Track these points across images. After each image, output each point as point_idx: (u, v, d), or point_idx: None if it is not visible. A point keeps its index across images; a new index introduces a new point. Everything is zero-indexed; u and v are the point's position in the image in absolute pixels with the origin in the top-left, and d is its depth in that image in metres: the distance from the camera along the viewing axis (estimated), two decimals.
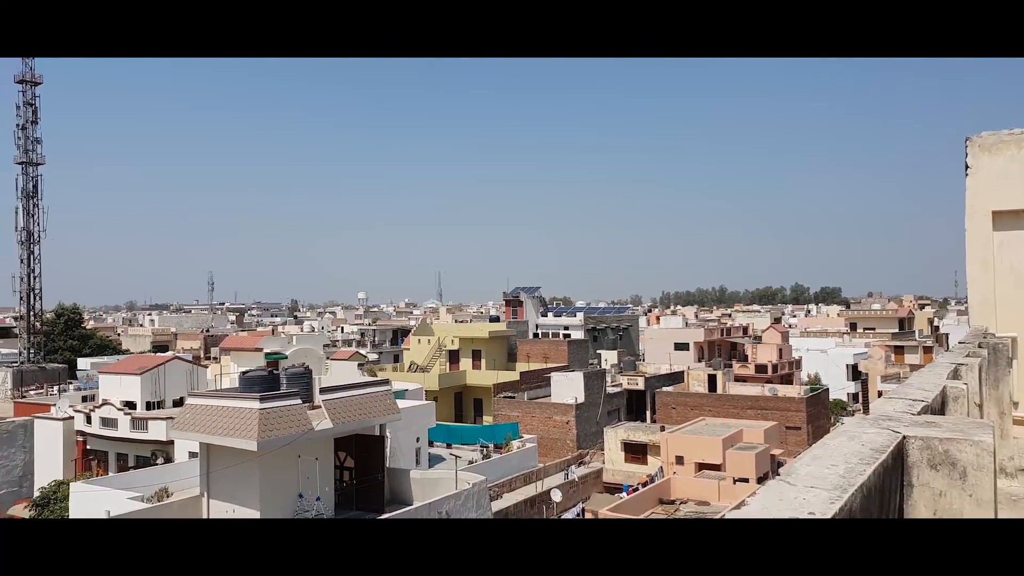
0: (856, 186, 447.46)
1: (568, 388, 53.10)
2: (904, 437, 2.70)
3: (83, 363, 66.99)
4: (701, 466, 40.05)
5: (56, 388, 54.65)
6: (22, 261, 72.18)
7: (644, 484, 41.19)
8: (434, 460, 39.78)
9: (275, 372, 21.74)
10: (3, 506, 35.28)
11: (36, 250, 72.73)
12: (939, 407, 3.93)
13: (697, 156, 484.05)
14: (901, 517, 2.68)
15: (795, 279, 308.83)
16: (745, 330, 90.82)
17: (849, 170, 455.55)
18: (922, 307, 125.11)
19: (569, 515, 39.16)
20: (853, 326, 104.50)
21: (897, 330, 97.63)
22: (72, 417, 38.47)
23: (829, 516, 2.00)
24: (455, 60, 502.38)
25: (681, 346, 77.43)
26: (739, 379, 62.28)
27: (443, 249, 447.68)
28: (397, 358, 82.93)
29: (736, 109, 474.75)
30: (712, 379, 58.75)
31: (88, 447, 38.12)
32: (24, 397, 54.54)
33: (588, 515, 38.58)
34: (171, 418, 25.53)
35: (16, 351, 73.84)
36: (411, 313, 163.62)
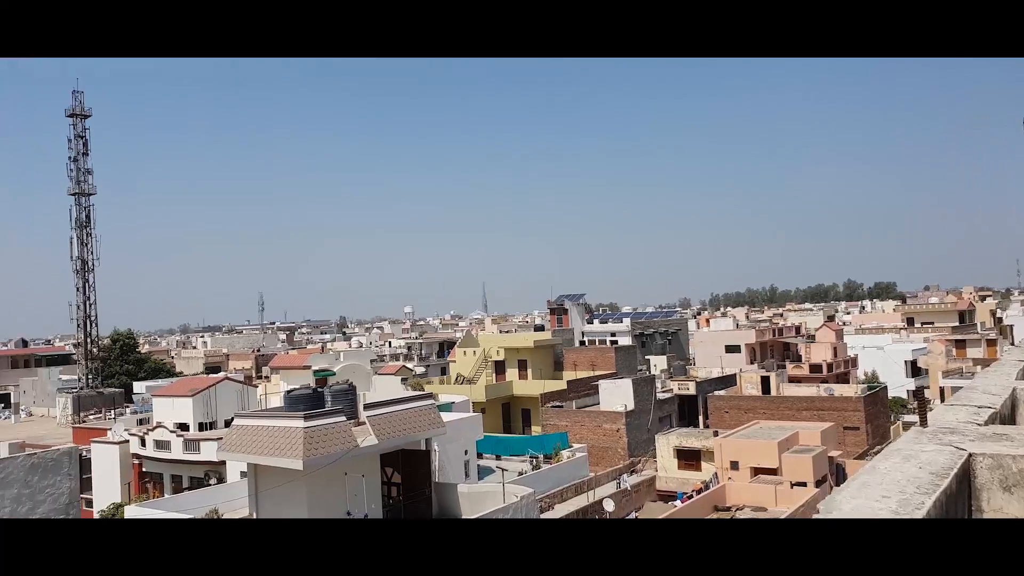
0: (908, 176, 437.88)
1: (617, 395, 52.44)
2: (970, 455, 2.31)
3: (139, 387, 68.28)
4: (757, 471, 39.13)
5: (113, 412, 55.74)
6: (78, 289, 74.08)
7: (698, 491, 40.38)
8: (484, 472, 39.56)
9: (319, 390, 21.73)
10: None
11: (91, 278, 74.65)
12: (1009, 414, 3.47)
13: (742, 155, 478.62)
14: None
15: (847, 275, 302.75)
16: (797, 329, 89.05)
17: (900, 161, 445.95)
18: (983, 298, 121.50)
19: None
20: (910, 321, 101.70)
21: (957, 323, 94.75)
22: (128, 441, 39.18)
23: None
24: (497, 67, 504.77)
25: (732, 348, 76.11)
26: (793, 380, 60.92)
27: (487, 260, 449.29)
28: (444, 371, 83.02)
29: (784, 106, 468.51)
30: (765, 381, 57.51)
31: (144, 469, 38.76)
32: (84, 422, 55.80)
33: None
34: (221, 439, 25.68)
35: (75, 377, 75.67)
36: (456, 325, 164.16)
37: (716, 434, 45.25)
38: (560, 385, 60.14)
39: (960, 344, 73.36)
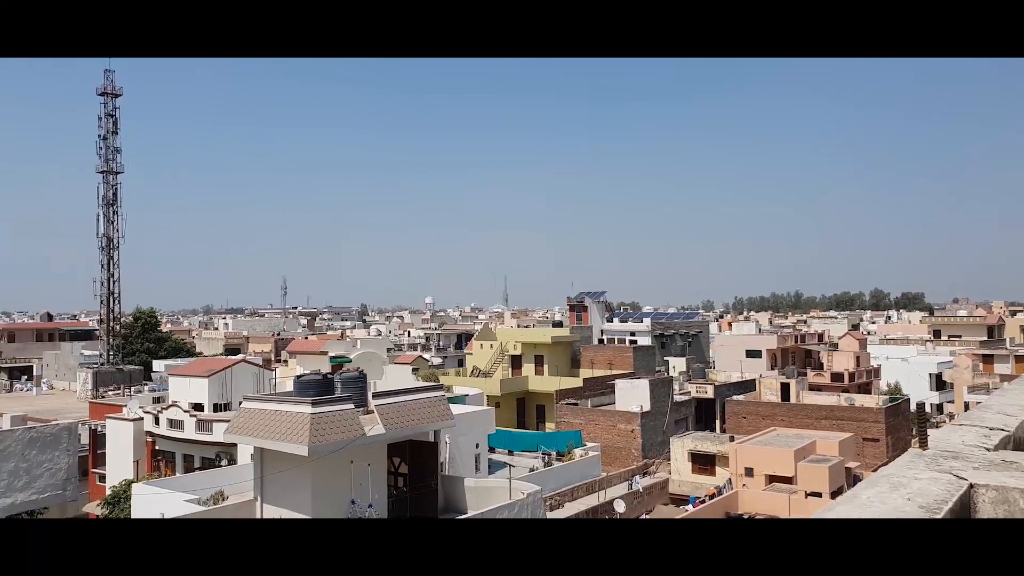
0: (939, 186, 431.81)
1: (633, 396, 52.01)
2: (971, 486, 2.00)
3: (158, 365, 68.78)
4: (771, 479, 38.61)
5: (131, 389, 56.16)
6: (102, 266, 74.70)
7: (711, 496, 39.94)
8: (495, 466, 39.35)
9: (329, 376, 21.59)
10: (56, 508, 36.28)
11: (115, 255, 75.21)
12: None
13: (774, 159, 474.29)
14: None
15: (875, 284, 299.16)
16: (820, 337, 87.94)
17: (930, 170, 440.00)
18: (1014, 313, 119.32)
19: None
20: (937, 333, 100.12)
21: (986, 338, 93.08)
22: (142, 418, 39.40)
23: None
24: (524, 64, 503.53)
25: (753, 353, 75.28)
26: (814, 388, 60.15)
27: (510, 254, 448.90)
28: (461, 363, 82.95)
29: (809, 111, 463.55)
30: (785, 388, 56.82)
31: (157, 447, 38.96)
32: (103, 397, 56.27)
33: None
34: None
35: (97, 353, 76.41)
36: (476, 318, 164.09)
37: (732, 439, 44.74)
38: (576, 382, 59.83)
39: (988, 359, 72.00)
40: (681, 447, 46.58)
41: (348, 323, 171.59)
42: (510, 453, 44.11)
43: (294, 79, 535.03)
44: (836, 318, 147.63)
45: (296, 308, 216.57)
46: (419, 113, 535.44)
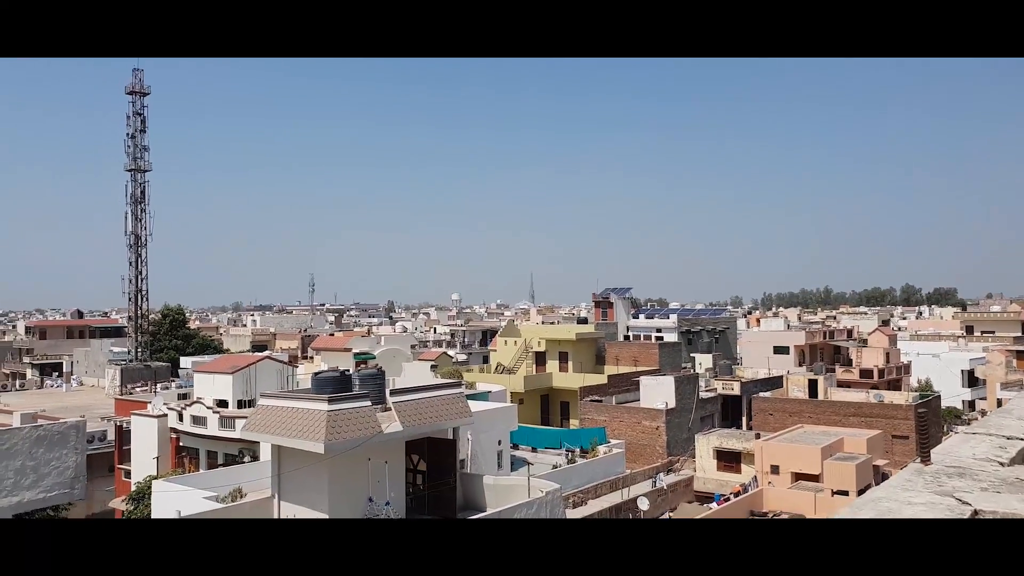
0: (972, 179, 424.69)
1: (658, 392, 51.57)
2: (975, 513, 1.71)
3: (185, 362, 69.39)
4: (797, 476, 38.03)
5: (158, 385, 56.64)
6: (130, 264, 75.41)
7: (737, 494, 39.43)
8: (518, 463, 39.18)
9: (347, 373, 21.46)
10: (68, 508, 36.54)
11: (143, 253, 75.86)
12: None
13: (801, 151, 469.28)
14: None
15: (906, 279, 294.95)
16: (850, 333, 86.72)
17: (963, 162, 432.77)
18: None
19: None
20: (969, 329, 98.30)
21: (1020, 334, 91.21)
22: (166, 415, 39.65)
23: None
24: (547, 63, 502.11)
25: (781, 349, 74.39)
26: (842, 384, 59.32)
27: (537, 250, 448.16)
28: (486, 359, 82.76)
29: (843, 104, 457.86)
30: (813, 384, 56.04)
31: (181, 444, 39.20)
32: (131, 394, 56.83)
33: None
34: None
35: (126, 350, 77.25)
36: (502, 314, 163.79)
37: (758, 436, 44.19)
38: (601, 379, 59.43)
39: (1021, 355, 70.45)
40: (706, 444, 46.12)
41: (375, 320, 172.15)
42: (533, 450, 43.89)
43: (324, 76, 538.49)
44: (866, 314, 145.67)
45: (324, 305, 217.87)
46: (448, 110, 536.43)
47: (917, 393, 55.47)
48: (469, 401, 37.89)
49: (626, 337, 78.95)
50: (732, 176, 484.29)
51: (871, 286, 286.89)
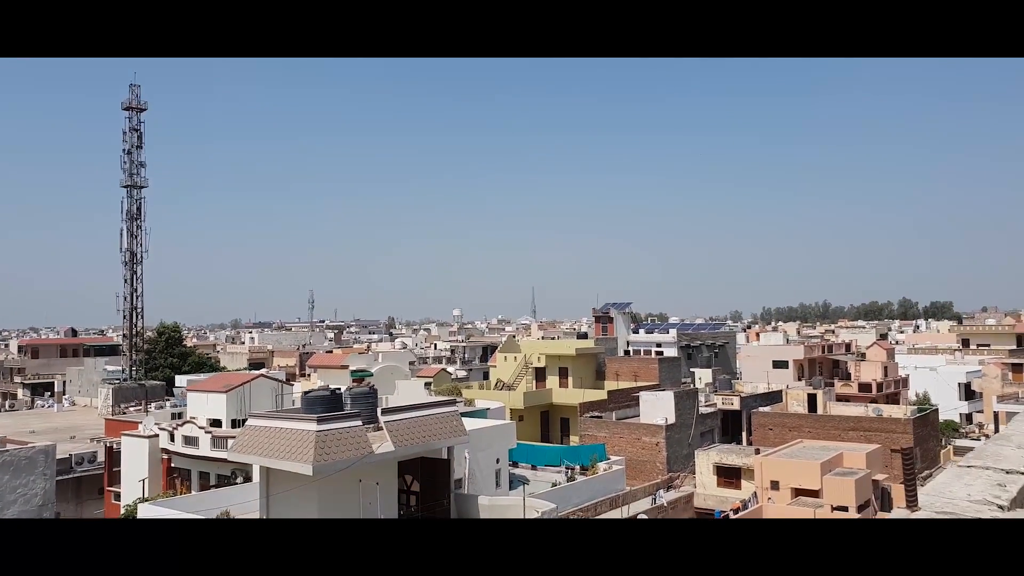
0: (968, 193, 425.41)
1: (658, 408, 51.18)
2: None
3: (181, 380, 68.97)
4: (797, 492, 37.63)
5: (152, 405, 56.20)
6: (125, 281, 75.05)
7: (736, 510, 38.99)
8: (519, 481, 38.80)
9: (338, 391, 21.13)
10: None
11: (139, 270, 75.53)
12: None
13: (801, 165, 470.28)
14: None
15: (903, 293, 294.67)
16: (848, 347, 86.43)
17: (959, 177, 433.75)
18: None
19: None
20: (966, 342, 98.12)
21: (1015, 346, 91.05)
22: (157, 435, 39.18)
23: None
24: (547, 69, 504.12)
25: (780, 364, 74.07)
26: (841, 398, 58.98)
27: (539, 266, 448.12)
28: (486, 375, 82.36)
29: (840, 117, 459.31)
30: (812, 398, 55.70)
31: (172, 465, 38.70)
32: (124, 413, 56.35)
33: None
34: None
35: (120, 368, 76.73)
36: (503, 330, 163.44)
37: (757, 452, 43.80)
38: (601, 395, 59.05)
39: (1017, 368, 70.24)
40: (706, 460, 45.70)
41: (375, 336, 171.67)
42: (533, 468, 43.47)
43: (323, 90, 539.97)
44: (864, 328, 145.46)
45: (323, 322, 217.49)
46: (443, 123, 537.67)
47: (915, 407, 55.08)
48: (467, 419, 37.57)
49: (626, 352, 78.67)
50: (733, 191, 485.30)
51: (869, 300, 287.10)
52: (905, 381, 68.51)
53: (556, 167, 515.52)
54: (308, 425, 18.31)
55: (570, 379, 65.74)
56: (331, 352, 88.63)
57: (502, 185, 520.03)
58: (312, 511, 18.78)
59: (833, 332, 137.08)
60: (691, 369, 75.27)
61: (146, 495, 35.66)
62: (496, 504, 22.16)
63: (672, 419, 50.22)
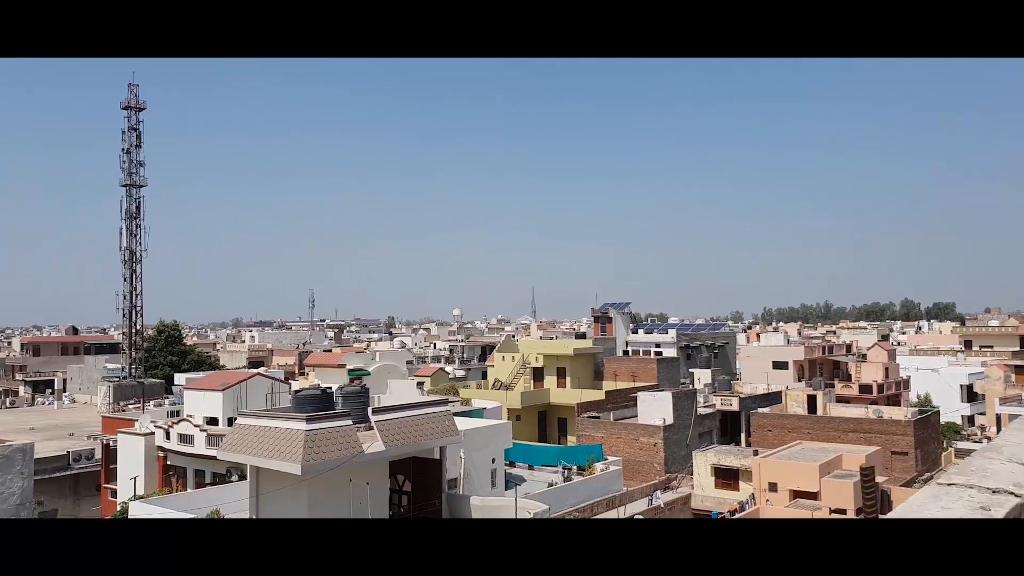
0: (970, 193, 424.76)
1: (656, 409, 50.93)
2: None
3: (179, 378, 68.83)
4: (796, 494, 37.37)
5: (150, 403, 56.04)
6: (125, 279, 74.88)
7: (733, 512, 38.73)
8: (515, 480, 38.61)
9: (329, 390, 20.90)
10: None
11: (138, 269, 75.34)
12: None
13: (802, 166, 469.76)
14: None
15: (905, 294, 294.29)
16: (849, 348, 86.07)
17: (961, 176, 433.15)
18: None
19: None
20: (968, 344, 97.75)
21: (1018, 348, 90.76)
22: (153, 433, 39.00)
23: None
24: (548, 70, 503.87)
25: (780, 365, 73.67)
26: (841, 400, 58.65)
27: (539, 265, 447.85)
28: (485, 375, 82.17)
29: (840, 116, 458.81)
30: (812, 400, 55.42)
31: (168, 463, 38.51)
32: (124, 411, 56.20)
33: None
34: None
35: (119, 366, 76.58)
36: (502, 330, 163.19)
37: (756, 453, 43.55)
38: (598, 395, 58.81)
39: (1020, 370, 69.91)
40: (704, 461, 45.43)
41: (375, 335, 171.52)
42: (530, 467, 43.24)
43: (324, 88, 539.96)
44: (866, 329, 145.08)
45: (324, 321, 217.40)
46: (444, 122, 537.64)
47: (916, 409, 54.79)
48: (463, 418, 37.38)
49: (625, 352, 78.39)
50: (734, 192, 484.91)
51: (871, 301, 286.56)
52: (906, 383, 68.17)
53: (558, 168, 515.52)
54: (297, 424, 18.09)
55: (568, 379, 65.51)
56: (329, 351, 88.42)
57: (503, 186, 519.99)
58: (301, 511, 18.55)
59: (834, 333, 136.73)
60: (690, 370, 75.00)
61: (142, 493, 35.44)
62: (488, 505, 21.92)
63: (670, 420, 49.97)
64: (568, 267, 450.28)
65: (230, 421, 40.22)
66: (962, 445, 57.04)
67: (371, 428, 19.66)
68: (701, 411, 54.39)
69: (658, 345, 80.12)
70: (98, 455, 44.98)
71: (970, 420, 69.42)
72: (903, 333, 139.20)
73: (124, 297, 75.06)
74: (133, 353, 74.88)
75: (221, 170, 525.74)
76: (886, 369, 66.39)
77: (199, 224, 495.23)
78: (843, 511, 34.36)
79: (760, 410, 54.85)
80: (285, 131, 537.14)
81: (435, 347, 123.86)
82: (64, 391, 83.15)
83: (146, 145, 77.55)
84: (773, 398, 59.28)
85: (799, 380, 70.07)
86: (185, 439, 37.45)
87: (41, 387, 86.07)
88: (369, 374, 53.91)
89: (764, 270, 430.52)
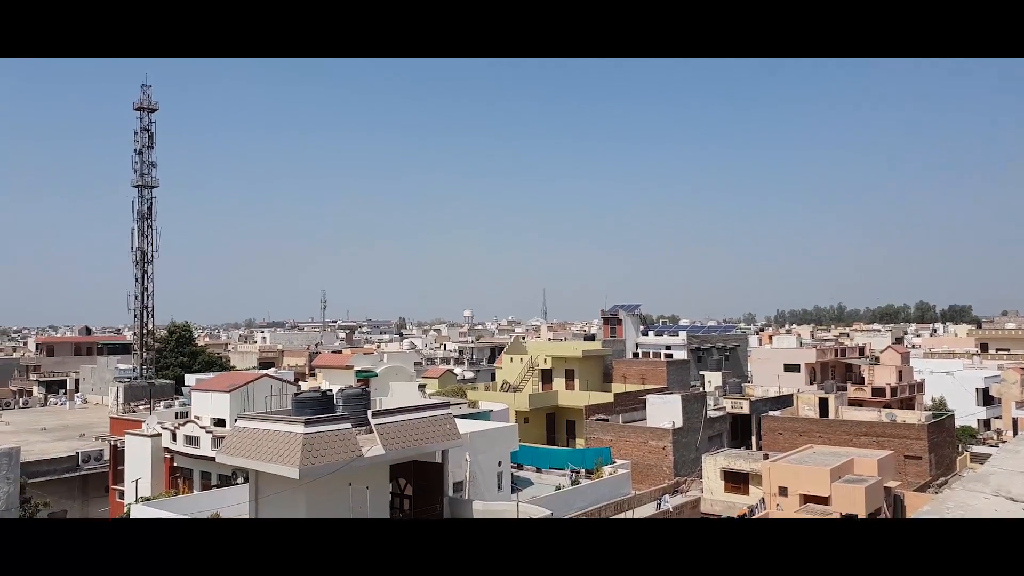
0: (988, 194, 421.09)
1: (665, 412, 50.54)
2: None
3: (190, 379, 68.89)
4: (806, 498, 36.94)
5: (160, 403, 56.06)
6: (136, 280, 74.99)
7: (742, 516, 38.30)
8: (522, 483, 38.39)
9: (329, 393, 20.69)
10: None
11: (150, 269, 75.41)
12: None
13: (817, 166, 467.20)
14: None
15: (920, 296, 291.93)
16: (862, 351, 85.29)
17: (979, 178, 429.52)
18: None
19: None
20: (984, 347, 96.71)
21: None
22: (160, 434, 38.91)
23: None
24: (560, 72, 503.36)
25: (791, 367, 73.04)
26: (853, 403, 58.05)
27: (550, 267, 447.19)
28: (494, 376, 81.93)
29: (855, 116, 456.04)
30: (823, 403, 54.89)
31: (175, 464, 38.41)
32: (134, 412, 56.23)
33: None
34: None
35: (131, 367, 76.71)
36: (513, 331, 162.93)
37: (766, 457, 43.11)
38: (607, 398, 58.44)
39: None
40: (713, 465, 45.03)
41: (386, 336, 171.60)
42: (538, 470, 42.97)
43: (335, 89, 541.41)
44: (879, 331, 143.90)
45: (336, 322, 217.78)
46: (458, 123, 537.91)
47: (930, 412, 54.11)
48: (469, 420, 37.14)
49: (635, 354, 78.01)
50: (747, 194, 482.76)
51: (885, 303, 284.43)
52: (920, 386, 67.41)
53: (570, 170, 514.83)
54: (296, 427, 17.87)
55: (576, 381, 65.13)
56: (339, 352, 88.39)
57: (516, 187, 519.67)
58: (300, 514, 18.34)
59: (848, 335, 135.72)
60: (701, 372, 74.54)
61: (148, 494, 35.37)
62: (490, 509, 21.65)
63: (679, 423, 49.58)
64: (580, 269, 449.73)
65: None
66: (977, 449, 56.27)
67: (371, 431, 19.42)
68: (712, 414, 53.97)
69: (668, 347, 79.72)
70: (107, 456, 44.99)
71: (986, 424, 68.60)
72: (918, 336, 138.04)
73: (136, 298, 75.14)
74: (144, 354, 74.97)
75: (235, 172, 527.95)
76: (900, 372, 65.67)
77: (213, 225, 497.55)
78: (854, 516, 33.88)
79: (771, 413, 54.39)
80: (297, 132, 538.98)
81: (445, 348, 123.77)
82: (77, 391, 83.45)
83: (158, 146, 77.66)
84: (784, 401, 58.78)
85: (811, 383, 69.45)
86: (191, 441, 37.34)
87: (54, 387, 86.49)
88: (376, 375, 53.61)
89: (777, 272, 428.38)
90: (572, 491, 38.02)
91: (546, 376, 66.14)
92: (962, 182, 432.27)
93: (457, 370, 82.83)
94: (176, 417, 43.64)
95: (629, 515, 38.32)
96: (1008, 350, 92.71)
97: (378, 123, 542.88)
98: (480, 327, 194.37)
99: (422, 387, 46.82)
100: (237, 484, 32.17)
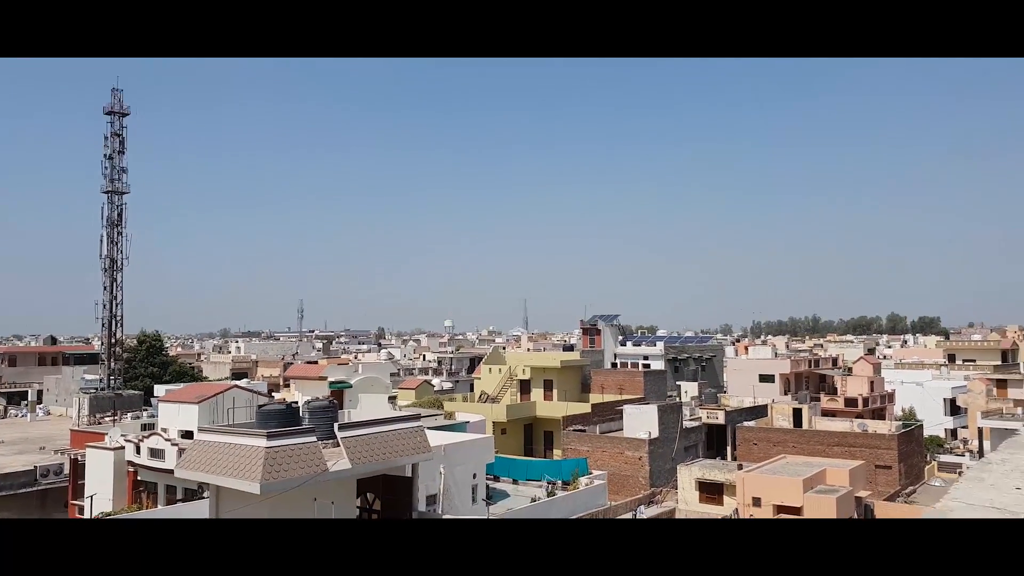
0: (956, 209, 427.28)
1: (641, 422, 50.42)
2: None
3: (160, 390, 67.82)
4: (779, 508, 36.90)
5: (126, 415, 55.07)
6: (105, 288, 73.72)
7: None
8: (498, 496, 38.03)
9: (293, 405, 20.24)
10: None
11: (119, 277, 74.19)
12: None
13: (792, 179, 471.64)
14: None
15: (892, 308, 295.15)
16: (835, 361, 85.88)
17: (947, 192, 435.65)
18: None
19: None
20: (952, 358, 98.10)
21: (1000, 362, 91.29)
22: (123, 447, 38.06)
23: None
24: (538, 78, 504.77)
25: (766, 378, 73.35)
26: (827, 413, 58.36)
27: (531, 277, 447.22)
28: (472, 387, 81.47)
29: (831, 130, 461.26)
30: (797, 413, 55.13)
31: (139, 478, 37.57)
32: (100, 423, 55.11)
33: None
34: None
35: (98, 377, 75.34)
36: (493, 341, 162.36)
37: (740, 467, 43.08)
38: (585, 408, 58.27)
39: (1002, 384, 70.17)
40: (688, 475, 44.88)
41: (364, 347, 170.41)
42: (515, 482, 42.65)
43: (313, 100, 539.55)
44: (852, 342, 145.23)
45: (313, 331, 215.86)
46: (437, 133, 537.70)
47: (901, 422, 54.51)
48: (445, 432, 36.74)
49: (613, 364, 77.89)
50: (726, 205, 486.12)
51: (858, 315, 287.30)
52: (891, 396, 68.01)
53: (549, 179, 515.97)
54: (257, 441, 17.40)
55: (555, 392, 64.93)
56: (314, 363, 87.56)
57: (498, 199, 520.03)
58: None
59: (822, 346, 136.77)
60: (677, 382, 74.59)
61: (109, 509, 34.53)
62: None
63: (655, 433, 49.46)
64: (561, 279, 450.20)
65: None
66: (945, 458, 56.86)
67: (338, 445, 18.99)
68: (687, 424, 53.92)
69: (646, 357, 79.74)
70: (67, 470, 43.92)
71: (953, 433, 69.34)
72: (889, 347, 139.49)
73: (104, 306, 73.79)
74: (112, 364, 73.67)
75: (212, 180, 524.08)
76: (871, 382, 66.20)
77: (187, 234, 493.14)
78: None
79: (746, 423, 54.48)
80: (275, 141, 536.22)
81: (424, 359, 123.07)
82: (40, 403, 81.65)
83: (130, 151, 76.58)
84: (759, 411, 58.93)
85: (785, 393, 69.77)
86: (156, 454, 36.57)
87: (16, 399, 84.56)
88: (351, 386, 53.12)
89: (754, 283, 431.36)
90: (547, 503, 37.72)
91: (525, 387, 65.88)
92: (933, 197, 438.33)
93: (435, 381, 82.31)
94: (143, 429, 42.82)
95: None
96: (974, 361, 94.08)
97: (357, 133, 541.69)
98: (460, 337, 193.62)
99: (392, 399, 46.28)
100: (203, 499, 31.52)
